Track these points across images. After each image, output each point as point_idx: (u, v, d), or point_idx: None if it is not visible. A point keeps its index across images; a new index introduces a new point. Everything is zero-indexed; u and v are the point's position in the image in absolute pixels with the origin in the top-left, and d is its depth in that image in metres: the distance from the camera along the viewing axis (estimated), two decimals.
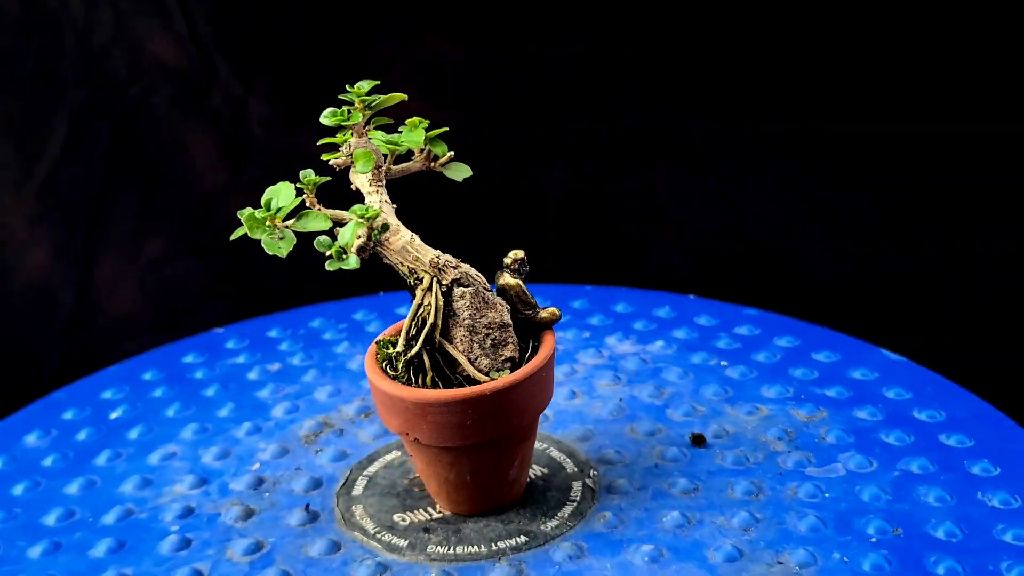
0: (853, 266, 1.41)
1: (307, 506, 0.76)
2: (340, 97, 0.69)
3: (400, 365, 0.69)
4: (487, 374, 0.69)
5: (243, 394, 0.94)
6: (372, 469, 0.81)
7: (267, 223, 0.65)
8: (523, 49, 1.39)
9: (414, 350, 0.69)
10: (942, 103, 1.33)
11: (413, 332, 0.69)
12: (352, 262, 0.63)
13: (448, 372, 0.70)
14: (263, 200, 0.66)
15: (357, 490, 0.78)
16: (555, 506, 0.75)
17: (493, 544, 0.71)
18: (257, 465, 0.82)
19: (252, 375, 0.97)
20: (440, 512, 0.75)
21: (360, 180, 0.72)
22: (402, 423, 0.70)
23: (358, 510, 0.76)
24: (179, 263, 1.44)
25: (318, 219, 0.66)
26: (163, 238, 1.44)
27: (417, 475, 0.79)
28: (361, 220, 0.64)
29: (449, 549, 0.71)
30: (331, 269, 0.64)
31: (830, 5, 1.34)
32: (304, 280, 1.02)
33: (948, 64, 1.31)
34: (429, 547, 0.71)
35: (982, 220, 1.36)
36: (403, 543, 0.72)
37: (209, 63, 1.38)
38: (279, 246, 0.64)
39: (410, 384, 0.69)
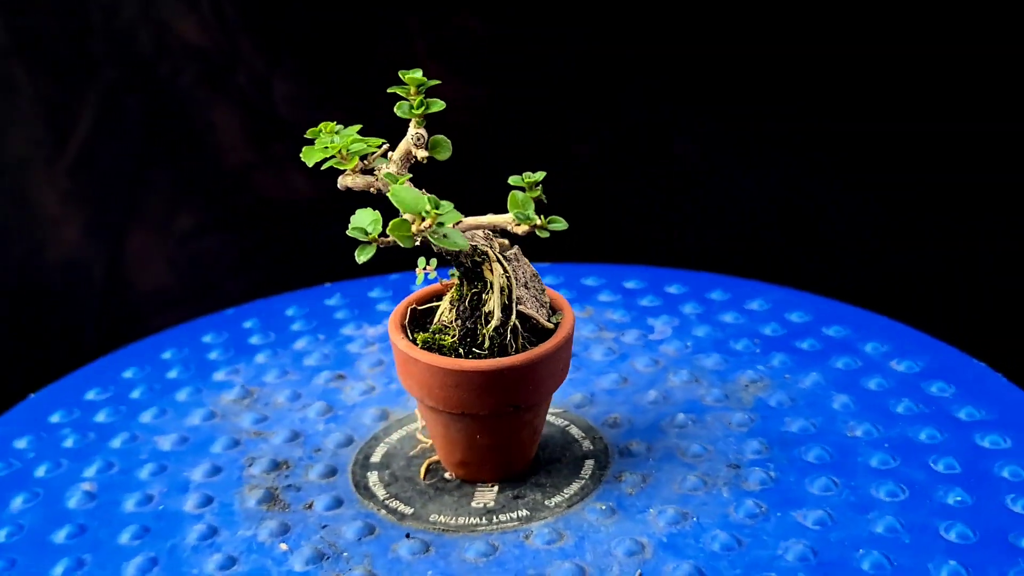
0: (856, 265, 1.47)
1: (407, 535, 0.74)
2: (392, 90, 0.71)
3: (492, 337, 0.72)
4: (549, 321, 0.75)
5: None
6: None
7: (424, 226, 0.66)
8: (526, 48, 1.39)
9: (512, 318, 0.72)
10: (945, 102, 1.36)
11: (504, 302, 0.72)
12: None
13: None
14: (404, 208, 0.66)
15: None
16: (577, 462, 0.81)
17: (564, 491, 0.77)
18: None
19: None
20: (492, 484, 0.78)
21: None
22: (508, 397, 0.72)
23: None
24: (208, 238, 1.44)
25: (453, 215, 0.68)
26: (192, 214, 1.44)
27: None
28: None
29: (549, 501, 0.76)
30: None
31: (833, 4, 1.36)
32: (325, 259, 1.00)
33: (951, 63, 1.34)
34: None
35: (985, 219, 1.39)
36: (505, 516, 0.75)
37: (233, 41, 1.37)
38: (451, 242, 0.67)
39: (505, 354, 0.72)
